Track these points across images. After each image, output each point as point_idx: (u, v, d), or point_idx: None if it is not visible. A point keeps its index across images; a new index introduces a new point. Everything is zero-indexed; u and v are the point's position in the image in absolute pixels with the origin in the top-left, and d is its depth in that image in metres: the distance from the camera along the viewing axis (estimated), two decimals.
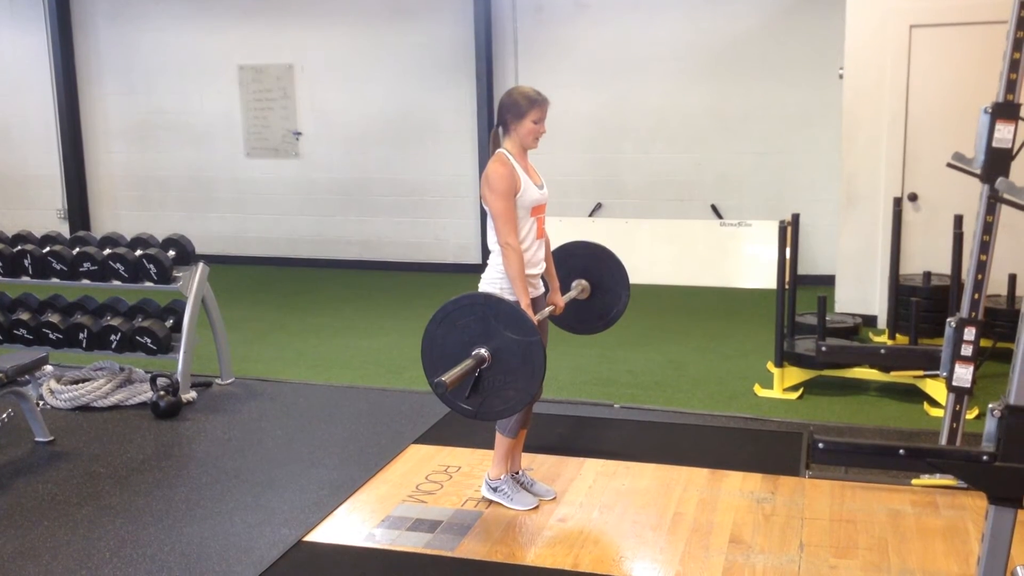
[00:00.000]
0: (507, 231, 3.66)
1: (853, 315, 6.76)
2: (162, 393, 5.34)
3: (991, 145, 3.72)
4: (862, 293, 7.06)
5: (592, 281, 4.38)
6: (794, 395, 5.53)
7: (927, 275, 6.32)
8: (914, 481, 4.17)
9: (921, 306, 5.60)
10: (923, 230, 6.76)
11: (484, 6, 9.19)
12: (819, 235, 8.51)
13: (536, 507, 4.01)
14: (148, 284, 5.72)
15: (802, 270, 6.89)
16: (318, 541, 3.80)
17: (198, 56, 10.28)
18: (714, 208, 9.02)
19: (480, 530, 3.83)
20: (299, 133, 10.13)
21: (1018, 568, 3.02)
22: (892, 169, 6.80)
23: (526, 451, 4.28)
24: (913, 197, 6.79)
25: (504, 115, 3.75)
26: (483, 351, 3.40)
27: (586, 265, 4.37)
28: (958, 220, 5.50)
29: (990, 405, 2.67)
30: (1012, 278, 6.04)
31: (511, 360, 3.40)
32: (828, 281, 7.53)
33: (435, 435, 4.91)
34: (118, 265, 5.71)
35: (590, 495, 4.14)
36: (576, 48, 9.15)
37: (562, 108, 8.50)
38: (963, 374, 3.95)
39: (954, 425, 4.05)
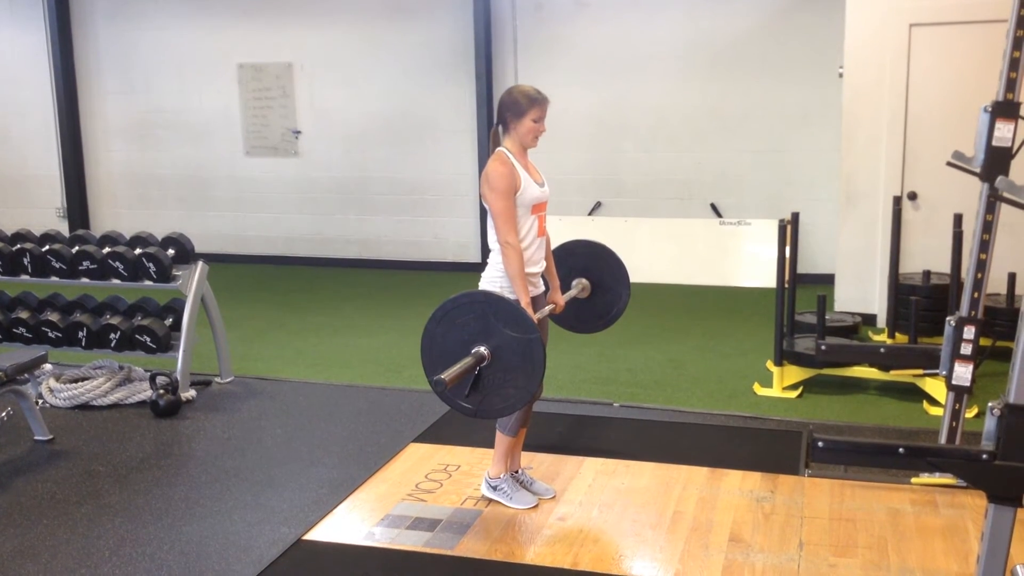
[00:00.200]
0: (507, 230, 3.66)
1: (853, 314, 6.76)
2: (161, 392, 5.34)
3: (991, 144, 3.72)
4: (862, 292, 7.05)
5: (592, 280, 4.37)
6: (793, 394, 5.53)
7: (927, 274, 6.32)
8: (914, 480, 4.17)
9: (921, 305, 5.60)
10: (923, 229, 6.76)
11: (484, 5, 9.18)
12: (819, 234, 8.50)
13: (535, 506, 4.01)
14: (147, 283, 5.71)
15: (802, 269, 6.88)
16: (318, 540, 3.80)
17: (197, 55, 10.27)
18: (714, 207, 9.02)
19: (480, 529, 3.83)
20: (298, 132, 10.12)
21: (1017, 567, 3.02)
22: (892, 168, 6.80)
23: (526, 450, 4.28)
24: (913, 196, 6.79)
25: (504, 114, 3.75)
26: (483, 349, 3.40)
27: (587, 264, 4.37)
28: (957, 219, 5.51)
29: (990, 404, 2.67)
30: (1012, 277, 6.04)
31: (511, 358, 3.40)
32: (828, 280, 7.52)
33: (435, 434, 4.91)
34: (117, 264, 5.71)
35: (590, 494, 4.14)
36: (576, 47, 9.15)
37: (562, 107, 8.48)
38: (963, 373, 3.95)
39: (953, 424, 4.05)
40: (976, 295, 3.90)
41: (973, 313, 3.93)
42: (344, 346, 6.94)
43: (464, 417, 3.70)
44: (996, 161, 3.73)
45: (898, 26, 6.62)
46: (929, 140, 6.61)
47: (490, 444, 4.14)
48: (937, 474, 4.10)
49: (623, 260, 4.40)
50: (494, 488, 4.05)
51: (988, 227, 3.85)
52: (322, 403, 5.52)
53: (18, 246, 5.90)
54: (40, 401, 5.47)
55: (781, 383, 5.57)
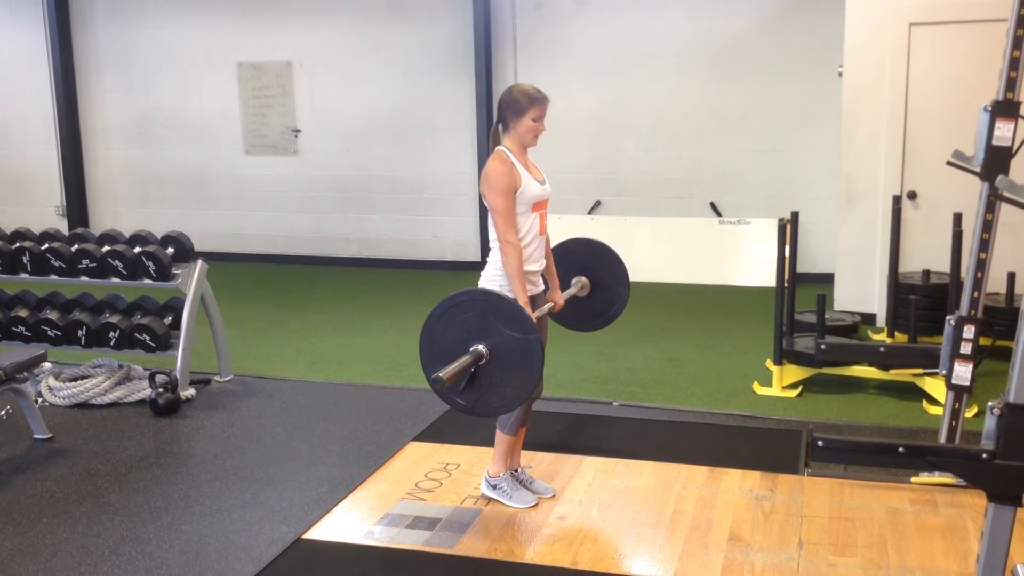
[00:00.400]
0: (506, 228, 3.66)
1: (852, 313, 6.76)
2: (161, 390, 5.33)
3: (991, 143, 3.72)
4: (861, 291, 7.06)
5: (592, 279, 4.38)
6: (793, 393, 5.53)
7: (926, 273, 6.32)
8: (913, 479, 4.17)
9: (920, 304, 5.60)
10: (922, 228, 6.76)
11: (483, 4, 9.18)
12: (818, 233, 8.50)
13: (535, 505, 4.01)
14: (147, 281, 5.71)
15: (801, 268, 6.88)
16: (317, 539, 3.80)
17: (197, 53, 10.27)
18: (713, 206, 9.02)
19: (479, 528, 3.83)
20: (298, 130, 10.12)
21: (1018, 566, 3.02)
22: (891, 167, 6.80)
23: (525, 449, 4.28)
24: (912, 195, 6.79)
25: (504, 113, 3.75)
26: (481, 347, 3.40)
27: (587, 262, 4.37)
28: (957, 218, 5.51)
29: (989, 403, 2.67)
30: (1011, 276, 6.04)
31: (509, 357, 3.40)
32: (827, 279, 7.52)
33: (434, 432, 4.91)
34: (117, 262, 5.70)
35: (589, 493, 4.14)
36: (575, 46, 9.15)
37: (561, 106, 8.46)
38: (962, 372, 3.95)
39: (953, 423, 4.05)
40: (976, 294, 3.90)
41: (973, 312, 3.93)
42: (344, 345, 6.94)
43: (464, 416, 3.70)
44: (996, 160, 3.73)
45: (898, 25, 6.62)
46: (929, 139, 6.61)
47: (490, 443, 4.14)
48: (937, 473, 4.10)
49: (623, 259, 4.40)
50: (494, 487, 4.05)
51: (988, 226, 3.85)
52: (322, 402, 5.52)
53: (17, 244, 5.90)
54: (39, 399, 5.47)
55: (781, 382, 5.57)
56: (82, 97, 10.74)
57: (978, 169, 3.80)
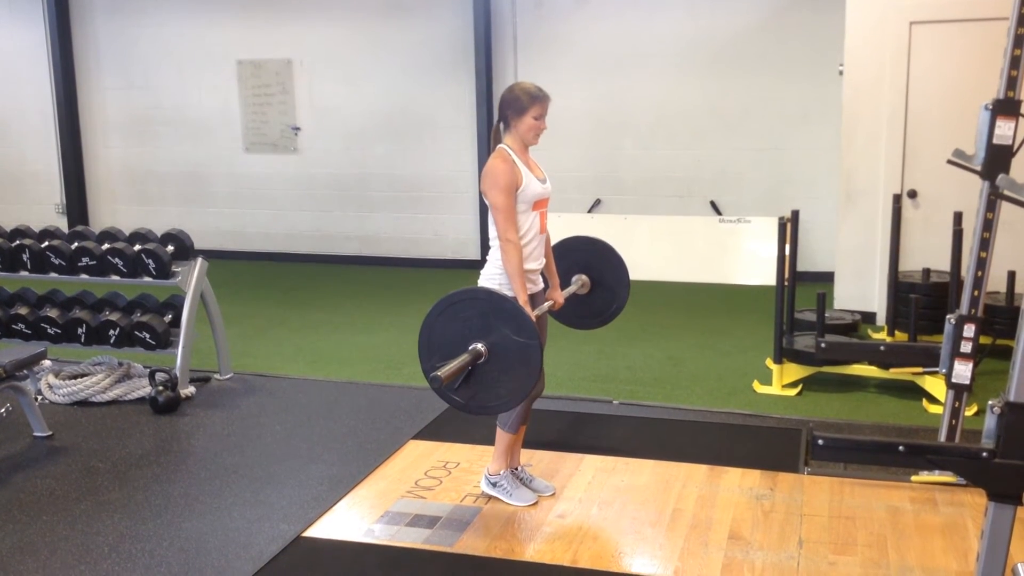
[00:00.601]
0: (507, 226, 3.66)
1: (852, 312, 6.76)
2: (161, 388, 5.33)
3: (992, 142, 3.72)
4: (861, 290, 7.06)
5: (592, 277, 4.38)
6: (793, 391, 5.53)
7: (926, 272, 6.32)
8: (913, 478, 4.17)
9: (920, 303, 5.60)
10: (922, 227, 6.76)
11: (483, 2, 9.17)
12: (818, 232, 8.50)
13: (535, 503, 4.01)
14: (147, 279, 5.71)
15: (801, 267, 6.88)
16: (317, 536, 3.80)
17: (197, 51, 10.26)
18: (713, 204, 9.01)
19: (479, 526, 3.82)
20: (298, 128, 10.12)
21: (1018, 565, 3.03)
22: (892, 166, 6.80)
23: (525, 447, 4.28)
24: (912, 194, 6.79)
25: (505, 111, 3.74)
26: (480, 346, 3.40)
27: (588, 260, 4.38)
28: (957, 217, 5.51)
29: (990, 402, 2.68)
30: (1011, 275, 6.04)
31: (508, 359, 3.40)
32: (827, 278, 7.52)
33: (434, 431, 4.91)
34: (117, 260, 5.70)
35: (589, 491, 4.14)
36: (576, 44, 9.14)
37: (561, 104, 8.43)
38: (962, 371, 3.95)
39: (953, 422, 4.05)
40: (976, 293, 3.90)
41: (973, 311, 3.92)
42: (343, 343, 6.93)
43: (464, 414, 3.70)
44: (997, 159, 3.73)
45: (898, 24, 6.62)
46: (929, 138, 6.61)
47: (490, 441, 4.14)
48: (937, 472, 4.10)
49: (624, 258, 4.40)
50: (494, 484, 4.05)
51: (988, 225, 3.85)
52: (322, 400, 5.52)
53: (17, 242, 5.90)
54: (39, 397, 5.47)
55: (780, 381, 5.57)
56: (82, 95, 10.74)
57: (979, 168, 3.80)
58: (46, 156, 10.93)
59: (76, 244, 5.83)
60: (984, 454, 2.66)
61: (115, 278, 5.76)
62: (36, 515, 4.02)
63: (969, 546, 3.57)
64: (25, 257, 5.87)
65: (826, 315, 5.95)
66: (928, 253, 6.62)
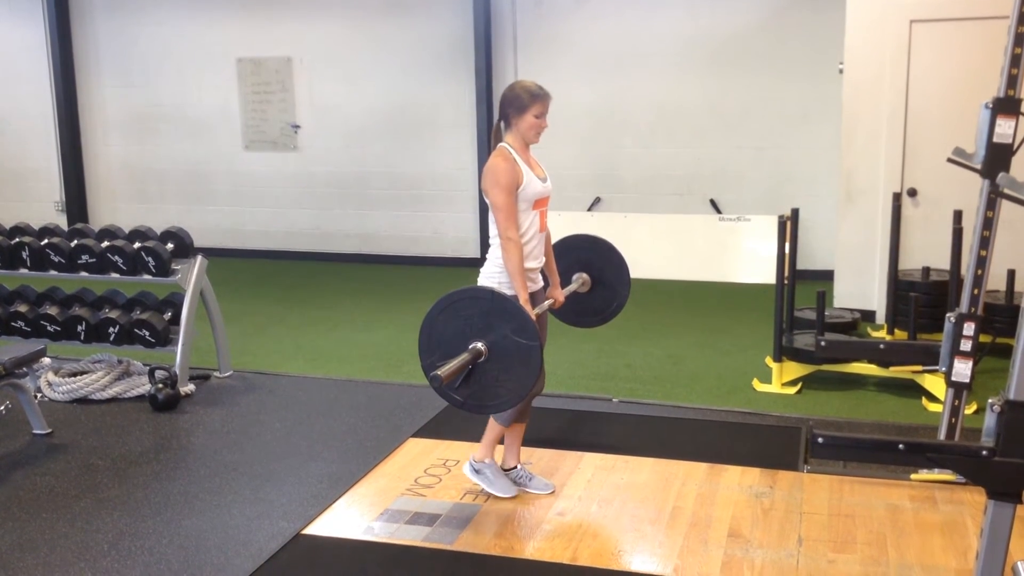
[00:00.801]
0: (507, 225, 3.66)
1: (852, 310, 6.76)
2: (160, 386, 5.33)
3: (992, 140, 3.72)
4: (861, 288, 7.06)
5: (593, 275, 4.38)
6: (792, 390, 5.53)
7: (926, 270, 6.32)
8: (913, 476, 4.17)
9: (920, 301, 5.60)
10: (922, 225, 6.76)
11: (483, 0, 9.16)
12: (818, 230, 8.50)
13: (515, 496, 4.01)
14: (146, 277, 5.71)
15: (801, 265, 6.89)
16: (317, 534, 3.80)
17: (196, 49, 10.26)
18: (713, 203, 9.01)
19: (479, 523, 3.83)
20: (297, 126, 10.11)
21: (1018, 563, 3.03)
22: (891, 164, 6.80)
23: (525, 445, 4.28)
24: (912, 192, 6.79)
25: (506, 109, 3.74)
26: (480, 345, 3.40)
27: (589, 258, 4.38)
28: (957, 215, 5.51)
29: (990, 400, 2.68)
30: (1011, 274, 6.05)
31: (508, 358, 3.40)
32: (827, 276, 7.53)
33: (433, 429, 4.91)
34: (116, 258, 5.70)
35: (589, 489, 4.14)
36: (575, 42, 9.14)
37: (561, 102, 8.39)
38: (962, 369, 3.95)
39: (953, 420, 4.05)
40: (976, 291, 3.90)
41: (973, 309, 3.92)
42: (343, 341, 6.93)
43: (463, 412, 3.70)
44: (997, 157, 3.73)
45: (898, 22, 6.62)
46: (929, 136, 6.61)
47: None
48: (936, 470, 4.10)
49: (623, 256, 4.40)
50: (476, 471, 4.05)
51: (988, 223, 3.85)
52: (321, 398, 5.52)
53: (17, 240, 5.90)
54: (39, 395, 5.47)
55: (780, 379, 5.57)
56: (82, 93, 10.73)
57: (979, 166, 3.80)
58: (46, 154, 10.93)
59: (76, 242, 5.83)
60: (984, 452, 2.66)
61: (115, 276, 5.76)
62: (36, 512, 4.02)
63: (968, 544, 3.57)
64: (25, 255, 5.86)
65: (826, 313, 5.95)
66: (928, 251, 6.62)
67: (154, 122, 10.58)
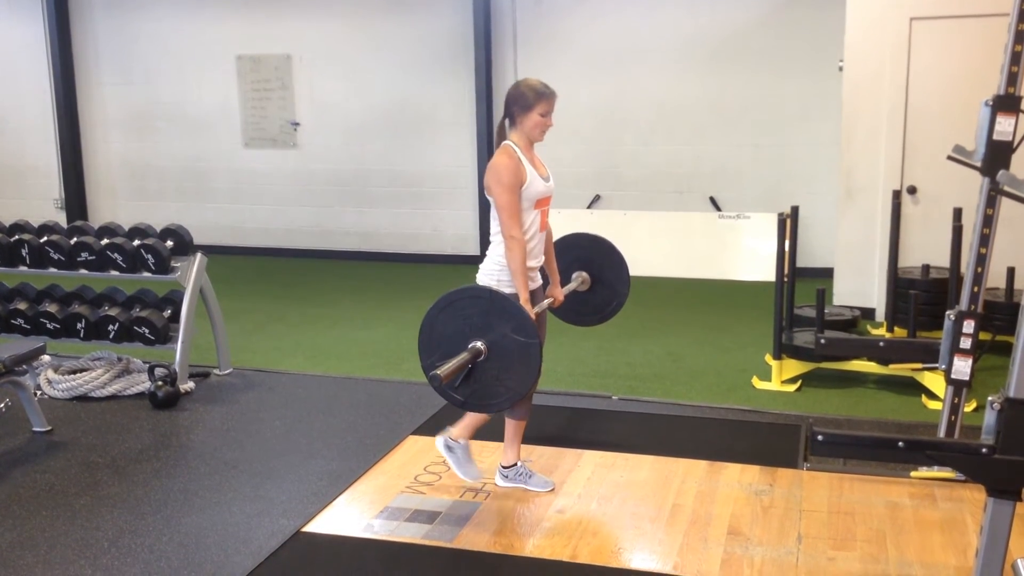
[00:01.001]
0: (511, 224, 3.65)
1: (852, 308, 6.77)
2: (160, 383, 5.33)
3: (992, 138, 3.72)
4: (861, 286, 7.06)
5: (593, 274, 4.38)
6: (792, 387, 5.53)
7: (926, 268, 6.32)
8: (912, 474, 4.17)
9: (920, 299, 5.61)
10: (922, 223, 6.76)
11: None
12: (818, 228, 8.50)
13: (477, 482, 4.07)
14: (146, 274, 5.70)
15: (801, 263, 6.88)
16: (317, 532, 3.80)
17: (196, 46, 10.25)
18: (713, 200, 9.01)
19: (478, 521, 3.83)
20: (297, 124, 10.11)
21: (1018, 561, 3.03)
22: (891, 162, 6.80)
23: (525, 442, 4.27)
24: (912, 190, 6.79)
25: (511, 107, 3.74)
26: (480, 344, 3.40)
27: (589, 257, 4.38)
28: (957, 213, 5.51)
29: (989, 398, 2.68)
30: (1011, 271, 6.05)
31: (507, 358, 3.40)
32: (827, 274, 7.53)
33: (433, 426, 4.89)
34: (116, 255, 5.70)
35: (588, 487, 4.15)
36: (575, 40, 9.13)
37: (561, 100, 8.32)
38: (962, 367, 3.95)
39: (952, 418, 4.05)
40: (976, 289, 3.90)
41: (973, 307, 3.92)
42: (343, 338, 6.93)
43: (463, 410, 3.70)
44: (997, 155, 3.72)
45: (898, 20, 6.61)
46: (929, 134, 6.61)
47: (488, 436, 4.15)
48: (936, 468, 4.10)
49: (622, 253, 4.40)
50: (449, 448, 4.04)
51: (988, 221, 3.85)
52: (321, 395, 5.52)
53: (16, 237, 5.90)
54: (38, 392, 5.47)
55: (780, 377, 5.57)
56: (81, 90, 10.73)
57: (979, 164, 3.80)
58: (45, 151, 10.92)
59: (75, 239, 5.83)
60: (984, 450, 2.66)
61: (114, 273, 5.76)
62: (36, 510, 4.02)
63: (968, 542, 3.57)
64: (24, 252, 5.86)
65: (825, 311, 5.96)
66: (927, 249, 6.62)
67: (154, 119, 10.58)
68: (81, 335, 5.79)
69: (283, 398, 5.49)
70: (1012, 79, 3.72)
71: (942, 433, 4.12)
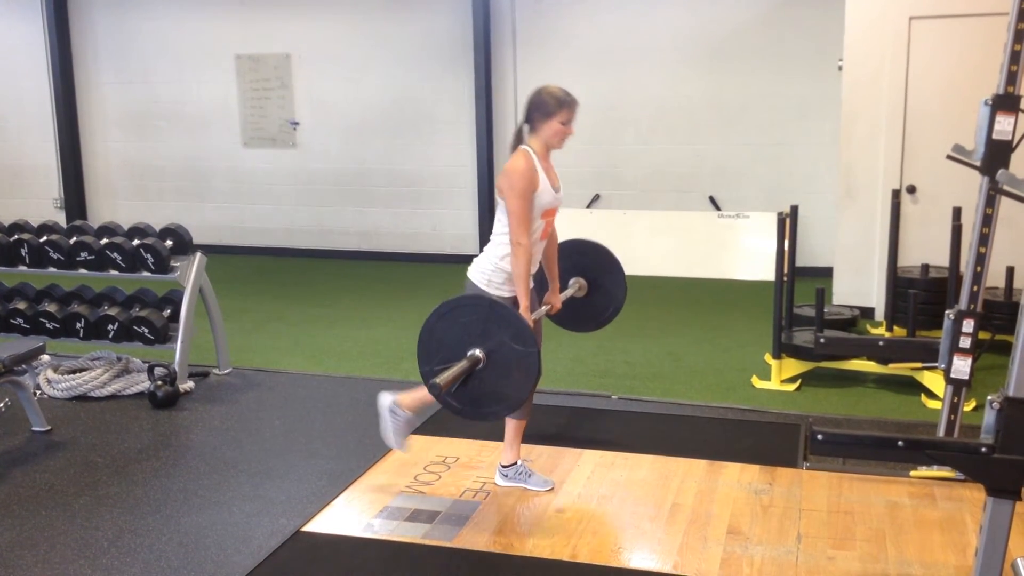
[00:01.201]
0: (520, 231, 3.65)
1: (851, 307, 6.77)
2: (159, 383, 5.33)
3: (991, 137, 3.72)
4: (860, 285, 7.06)
5: (590, 280, 4.38)
6: (791, 387, 5.54)
7: (925, 267, 6.32)
8: (912, 473, 4.18)
9: (919, 298, 5.61)
10: (921, 222, 6.76)
11: None
12: (817, 227, 8.50)
13: (404, 451, 4.10)
14: (145, 274, 5.70)
15: (800, 262, 6.88)
16: (316, 531, 3.80)
17: (195, 45, 10.25)
18: (712, 200, 9.01)
19: (478, 520, 3.83)
20: (296, 123, 10.10)
21: (1017, 560, 3.03)
22: (891, 161, 6.80)
23: (525, 442, 4.27)
24: (911, 189, 6.79)
25: (531, 113, 3.75)
26: (478, 352, 3.39)
27: (586, 264, 4.38)
28: (956, 212, 5.51)
29: (989, 397, 2.68)
30: (1010, 270, 6.05)
31: (506, 367, 3.39)
32: (826, 273, 7.53)
33: (433, 426, 4.91)
34: (115, 255, 5.70)
35: (588, 486, 4.15)
36: (575, 38, 9.13)
37: None
38: (961, 366, 3.95)
39: (952, 417, 4.05)
40: (975, 288, 3.90)
41: (972, 306, 3.92)
42: (342, 338, 6.93)
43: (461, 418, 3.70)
44: (996, 154, 3.72)
45: (898, 19, 6.62)
46: (928, 133, 6.61)
47: (488, 436, 4.14)
48: (935, 467, 4.10)
49: (621, 252, 4.41)
50: (392, 412, 4.04)
51: (988, 220, 3.85)
52: (320, 395, 5.52)
53: (16, 237, 5.89)
54: (38, 392, 5.46)
55: (779, 376, 5.57)
56: (80, 89, 10.72)
57: (978, 163, 3.80)
58: (44, 151, 10.92)
59: (75, 239, 5.83)
60: (983, 449, 2.66)
61: (114, 273, 5.76)
62: (35, 510, 4.02)
63: (968, 541, 3.57)
64: (23, 252, 5.86)
65: (825, 310, 5.96)
66: (927, 248, 6.62)
67: (153, 119, 10.57)
68: (80, 335, 5.79)
69: (282, 398, 5.49)
70: (1011, 78, 3.72)
71: (941, 432, 4.12)
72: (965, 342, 3.92)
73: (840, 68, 6.97)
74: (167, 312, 5.77)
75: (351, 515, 3.93)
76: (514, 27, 9.30)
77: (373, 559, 3.59)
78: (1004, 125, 3.70)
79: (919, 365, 5.32)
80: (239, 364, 6.12)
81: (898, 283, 6.18)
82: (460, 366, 3.34)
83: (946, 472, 4.08)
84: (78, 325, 5.77)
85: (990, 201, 3.82)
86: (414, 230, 9.97)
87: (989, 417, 2.68)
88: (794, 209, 5.98)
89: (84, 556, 3.61)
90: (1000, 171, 3.60)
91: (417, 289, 8.56)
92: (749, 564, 3.45)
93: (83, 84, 10.71)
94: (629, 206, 9.17)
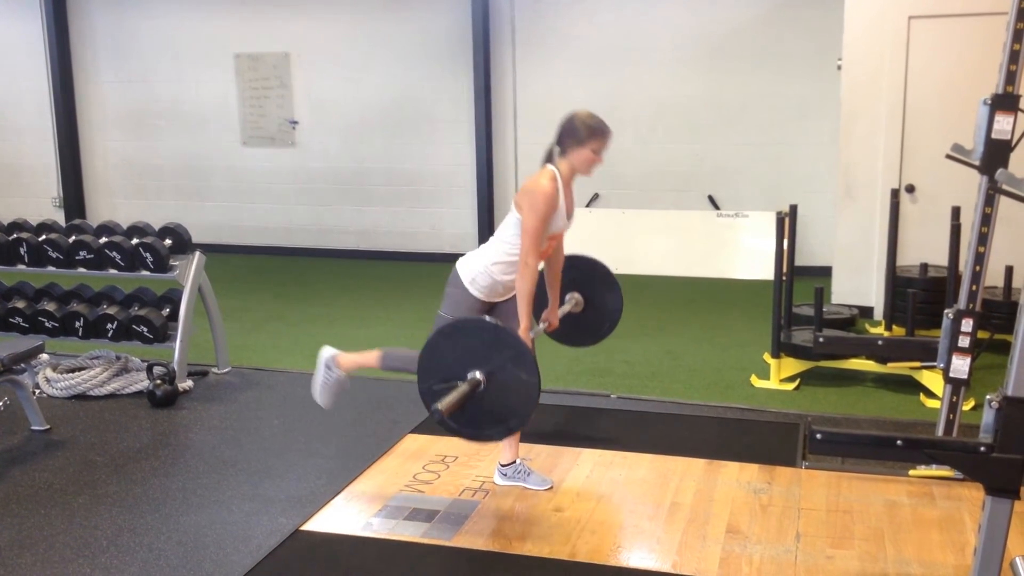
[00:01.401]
0: (531, 251, 3.65)
1: (850, 306, 6.77)
2: (158, 382, 5.33)
3: (990, 137, 3.72)
4: (859, 284, 7.06)
5: (586, 296, 4.38)
6: (790, 386, 5.54)
7: (924, 266, 6.32)
8: (911, 472, 4.18)
9: (918, 297, 5.61)
10: (920, 222, 6.76)
11: None
12: (816, 226, 8.50)
13: (328, 407, 4.17)
14: (144, 273, 5.70)
15: (799, 261, 6.86)
16: (315, 530, 3.80)
17: (194, 44, 10.24)
18: (711, 199, 9.01)
19: (477, 520, 3.83)
20: (296, 122, 10.10)
21: (1016, 559, 3.04)
22: (890, 161, 6.80)
23: (523, 441, 4.28)
24: (910, 189, 6.79)
25: (564, 139, 3.77)
26: (478, 374, 3.37)
27: (582, 279, 4.38)
28: (955, 212, 5.51)
29: (988, 396, 2.68)
30: (1009, 270, 6.05)
31: (505, 391, 3.37)
32: (825, 272, 7.53)
33: (432, 425, 4.88)
34: (114, 254, 5.69)
35: (587, 485, 4.15)
36: (574, 38, 9.13)
37: (559, 98, 8.48)
38: (960, 365, 3.95)
39: (951, 416, 4.05)
40: (974, 288, 3.90)
41: (971, 306, 3.92)
42: (341, 337, 6.92)
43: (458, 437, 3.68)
44: (995, 154, 3.72)
45: (897, 18, 6.62)
46: (927, 133, 6.61)
47: None
48: (934, 466, 4.11)
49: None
50: (328, 367, 4.13)
51: (987, 220, 3.85)
52: None
53: (15, 235, 5.89)
54: (37, 391, 5.46)
55: (778, 375, 5.57)
56: (79, 88, 10.72)
57: (977, 162, 3.80)
58: (43, 149, 10.91)
59: (74, 238, 5.82)
60: (982, 448, 2.66)
61: (113, 272, 5.76)
62: (34, 509, 4.02)
63: (966, 540, 3.58)
64: (22, 251, 5.85)
65: (824, 309, 5.96)
66: (926, 248, 6.62)
67: (152, 118, 10.57)
68: (80, 333, 5.78)
69: (282, 397, 5.49)
70: (1010, 78, 3.72)
71: (940, 431, 4.12)
72: (964, 341, 3.93)
73: (839, 68, 6.97)
74: (166, 311, 5.77)
75: (350, 514, 3.93)
76: (513, 27, 9.30)
77: (372, 558, 3.59)
78: (1003, 124, 3.70)
79: (918, 364, 5.32)
80: (238, 363, 6.12)
81: (897, 282, 6.19)
82: (461, 390, 3.31)
83: (945, 471, 4.08)
84: (77, 324, 5.77)
85: (989, 200, 3.82)
86: (413, 229, 9.97)
87: (988, 416, 2.68)
88: (793, 208, 5.98)
89: (83, 555, 3.61)
90: (999, 170, 3.60)
91: (416, 288, 8.55)
92: (748, 563, 3.45)
93: (82, 83, 10.70)
94: (628, 205, 9.17)
